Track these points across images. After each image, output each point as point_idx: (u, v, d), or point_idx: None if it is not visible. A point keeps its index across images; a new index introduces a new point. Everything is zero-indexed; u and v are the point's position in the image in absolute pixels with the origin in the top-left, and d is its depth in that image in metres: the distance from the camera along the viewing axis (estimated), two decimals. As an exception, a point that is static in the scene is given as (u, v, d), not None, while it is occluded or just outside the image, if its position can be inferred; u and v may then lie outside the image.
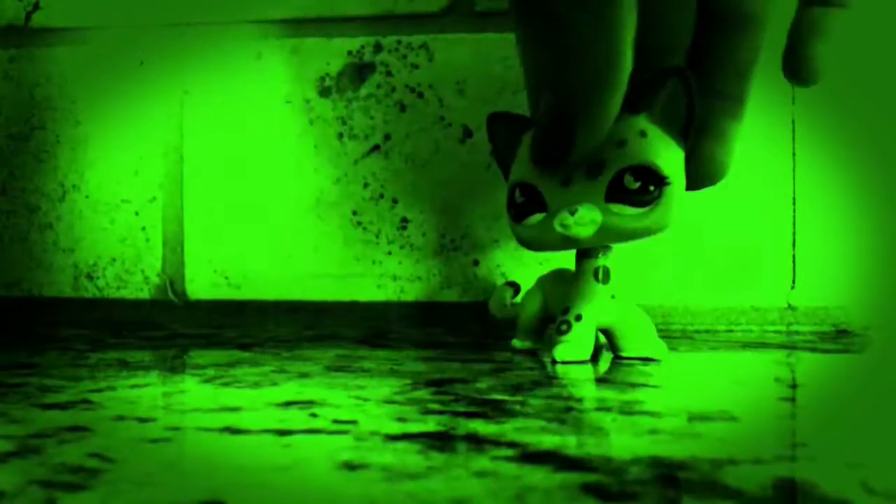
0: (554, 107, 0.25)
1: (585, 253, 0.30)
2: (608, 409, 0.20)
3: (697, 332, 0.42)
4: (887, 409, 0.22)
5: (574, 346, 0.29)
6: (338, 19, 0.46)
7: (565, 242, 0.29)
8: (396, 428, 0.18)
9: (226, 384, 0.24)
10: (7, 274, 0.48)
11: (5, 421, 0.19)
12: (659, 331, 0.42)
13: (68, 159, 0.48)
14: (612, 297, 0.30)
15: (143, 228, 0.47)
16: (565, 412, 0.21)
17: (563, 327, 0.29)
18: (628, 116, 0.27)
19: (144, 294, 0.47)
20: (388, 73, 0.45)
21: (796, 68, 0.29)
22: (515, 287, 0.38)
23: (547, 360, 0.30)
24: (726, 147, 0.30)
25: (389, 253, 0.45)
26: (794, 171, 0.43)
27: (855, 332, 0.42)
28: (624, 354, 0.30)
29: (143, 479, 0.14)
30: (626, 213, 0.27)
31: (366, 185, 0.46)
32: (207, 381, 0.25)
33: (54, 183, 0.48)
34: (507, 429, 0.18)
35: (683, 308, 0.43)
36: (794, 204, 0.43)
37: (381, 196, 0.45)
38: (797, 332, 0.42)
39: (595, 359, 0.30)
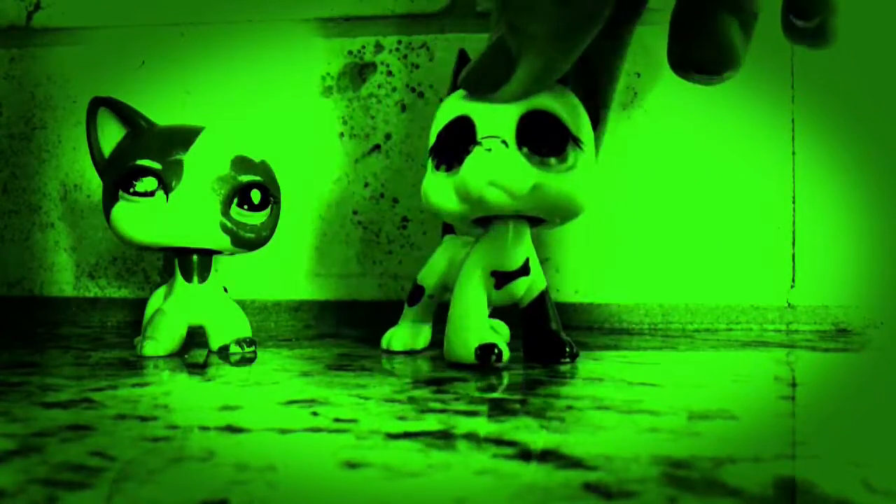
0: (503, 39, 0.25)
1: None
2: (608, 408, 0.20)
3: (697, 330, 0.42)
4: (887, 408, 0.22)
5: None
6: (338, 19, 0.46)
7: None
8: (397, 426, 0.18)
9: (226, 383, 0.24)
10: (9, 273, 0.48)
11: (7, 420, 0.19)
12: (658, 329, 0.42)
13: (70, 159, 0.48)
14: None
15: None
16: (565, 410, 0.21)
17: None
18: None
19: (146, 293, 0.47)
20: (389, 73, 0.45)
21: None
22: None
23: None
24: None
25: (390, 252, 0.45)
26: (793, 170, 0.43)
27: (854, 331, 0.42)
28: None
29: (144, 478, 0.14)
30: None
31: (366, 185, 0.46)
32: (209, 379, 0.25)
33: (56, 182, 0.48)
34: (507, 427, 0.18)
35: (683, 307, 0.43)
36: (793, 203, 0.43)
37: (382, 195, 0.45)
38: (797, 331, 0.42)
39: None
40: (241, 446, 0.16)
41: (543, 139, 0.26)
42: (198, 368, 0.28)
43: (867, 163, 0.42)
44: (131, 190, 0.29)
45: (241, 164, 0.30)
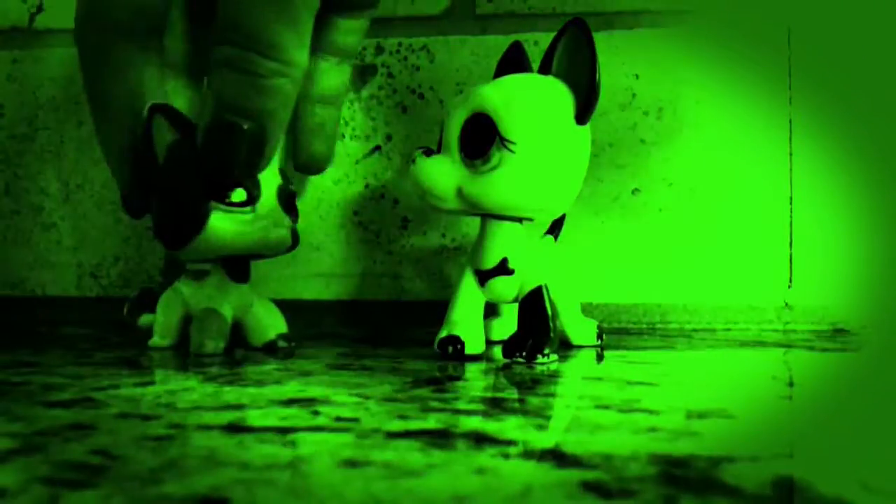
0: None
1: None
2: (607, 407, 0.20)
3: (695, 330, 0.42)
4: (885, 408, 0.22)
5: None
6: (339, 20, 0.46)
7: None
8: (397, 425, 0.18)
9: (228, 382, 0.24)
10: (11, 273, 0.49)
11: (9, 419, 0.19)
12: (657, 329, 0.42)
13: (72, 159, 0.48)
14: None
15: (148, 228, 0.47)
16: (564, 409, 0.21)
17: None
18: None
19: (146, 293, 0.47)
20: (390, 75, 0.45)
21: (307, 165, 0.34)
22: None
23: None
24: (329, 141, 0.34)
25: (390, 252, 0.45)
26: (790, 170, 0.43)
27: (852, 331, 0.42)
28: None
29: (146, 477, 0.14)
30: None
31: (367, 186, 0.46)
32: (210, 378, 0.25)
33: (58, 183, 0.48)
34: (507, 426, 0.18)
35: (681, 306, 0.44)
36: (790, 203, 0.43)
37: (382, 196, 0.46)
38: (794, 331, 0.42)
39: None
40: (242, 445, 0.16)
41: (473, 143, 0.28)
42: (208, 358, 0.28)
43: (864, 163, 0.42)
44: (227, 200, 0.29)
45: (283, 172, 0.32)
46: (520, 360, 0.29)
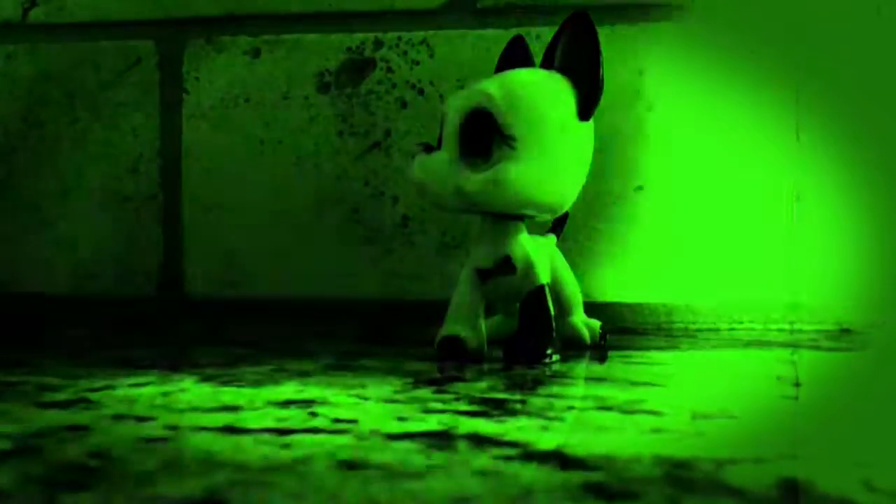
0: None
1: None
2: (610, 408, 0.20)
3: (700, 330, 0.42)
4: (890, 408, 0.22)
5: None
6: (337, 15, 0.46)
7: None
8: (397, 427, 0.18)
9: (225, 382, 0.24)
10: (7, 272, 0.48)
11: (5, 420, 0.19)
12: (661, 329, 0.42)
13: (67, 157, 0.48)
14: None
15: (144, 226, 0.47)
16: (567, 411, 0.21)
17: None
18: None
19: (144, 292, 0.47)
20: (389, 70, 0.45)
21: None
22: None
23: None
24: None
25: (390, 251, 0.45)
26: (796, 169, 0.43)
27: (858, 331, 0.41)
28: None
29: (141, 478, 0.14)
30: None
31: (366, 183, 0.45)
32: (207, 379, 0.25)
33: (54, 181, 0.48)
34: (509, 428, 0.18)
35: (686, 306, 0.43)
36: (796, 202, 0.43)
37: (382, 193, 0.45)
38: (800, 331, 0.42)
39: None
40: (239, 446, 0.16)
41: (475, 141, 0.28)
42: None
43: (871, 163, 0.42)
44: None
45: None
46: (521, 360, 0.29)
